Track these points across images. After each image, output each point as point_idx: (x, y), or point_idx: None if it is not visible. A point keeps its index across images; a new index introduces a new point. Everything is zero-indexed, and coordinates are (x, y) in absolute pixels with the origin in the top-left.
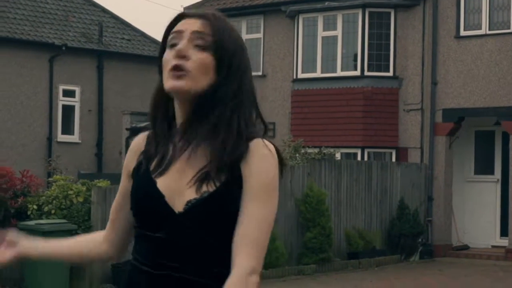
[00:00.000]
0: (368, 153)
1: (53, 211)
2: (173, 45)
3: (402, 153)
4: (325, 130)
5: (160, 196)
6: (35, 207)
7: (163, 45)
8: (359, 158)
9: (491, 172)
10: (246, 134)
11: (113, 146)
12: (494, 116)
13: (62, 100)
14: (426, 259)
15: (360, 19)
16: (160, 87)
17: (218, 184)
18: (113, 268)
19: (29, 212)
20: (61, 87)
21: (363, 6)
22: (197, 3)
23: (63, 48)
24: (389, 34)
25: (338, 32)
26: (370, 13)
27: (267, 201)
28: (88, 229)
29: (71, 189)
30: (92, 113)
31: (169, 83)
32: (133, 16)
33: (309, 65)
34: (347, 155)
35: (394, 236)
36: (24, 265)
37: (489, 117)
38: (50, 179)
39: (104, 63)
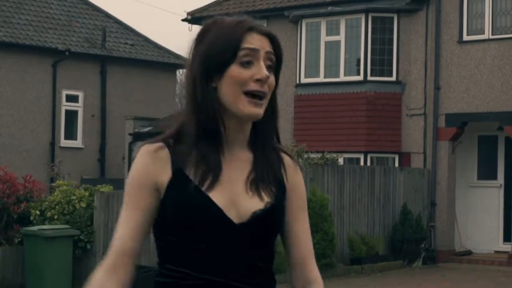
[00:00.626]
0: (371, 158)
1: (55, 217)
2: (247, 62)
3: (405, 158)
4: (328, 135)
5: (216, 208)
6: (37, 212)
7: (226, 56)
8: (362, 163)
9: (494, 177)
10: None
11: (116, 152)
12: (497, 121)
13: (65, 105)
14: (429, 265)
15: (363, 24)
16: (213, 99)
17: (273, 192)
18: None
19: (31, 218)
20: (64, 92)
21: (366, 11)
22: (200, 8)
23: (67, 53)
24: (392, 39)
25: (341, 37)
26: (373, 18)
27: (307, 210)
28: (90, 234)
29: (74, 195)
30: (95, 118)
31: (248, 109)
32: (137, 21)
33: (312, 70)
34: (350, 160)
35: (397, 242)
36: (27, 271)
37: (492, 122)
38: (53, 184)
39: (107, 68)
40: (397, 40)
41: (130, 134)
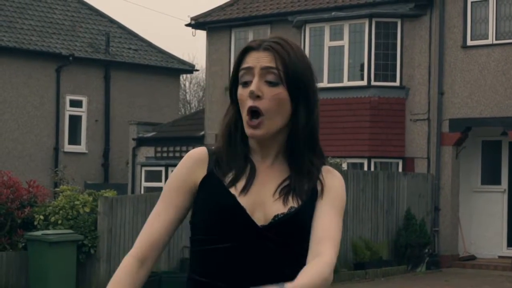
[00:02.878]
0: (375, 163)
1: (59, 221)
2: (245, 83)
3: (408, 163)
4: (331, 140)
5: (240, 209)
6: (41, 217)
7: (234, 77)
8: (365, 168)
9: (498, 182)
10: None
11: (120, 156)
12: (501, 126)
13: (69, 110)
14: (433, 270)
15: (367, 29)
16: (233, 113)
17: (301, 200)
18: None
19: (35, 223)
20: (68, 97)
21: (370, 16)
22: (204, 13)
23: (70, 58)
24: (395, 44)
25: (345, 42)
26: (377, 23)
27: (341, 216)
28: (94, 239)
29: (78, 200)
30: (99, 123)
31: (248, 131)
32: (140, 26)
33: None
34: (354, 165)
35: (400, 247)
36: (31, 276)
37: (496, 127)
38: (56, 189)
39: (111, 73)
40: (401, 45)
41: (133, 139)
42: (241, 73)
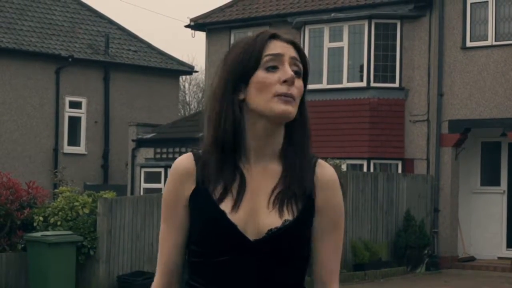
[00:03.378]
0: (374, 164)
1: (59, 223)
2: (272, 67)
3: (408, 164)
4: (331, 141)
5: (231, 225)
6: (41, 218)
7: (249, 63)
8: (365, 169)
9: (497, 183)
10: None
11: (119, 158)
12: (501, 127)
13: (68, 112)
14: (432, 271)
15: (366, 30)
16: (235, 110)
17: (297, 208)
18: (119, 279)
19: (35, 224)
20: (68, 99)
21: (369, 17)
22: (203, 14)
23: (70, 59)
24: (395, 45)
25: (344, 43)
26: (376, 24)
27: (342, 228)
28: (93, 240)
29: (77, 201)
30: (98, 124)
31: (279, 107)
32: (140, 27)
33: (315, 76)
34: (353, 166)
35: (400, 248)
36: (31, 277)
37: (495, 128)
38: (56, 190)
39: (110, 74)
40: (400, 46)
41: (133, 140)
42: (266, 58)
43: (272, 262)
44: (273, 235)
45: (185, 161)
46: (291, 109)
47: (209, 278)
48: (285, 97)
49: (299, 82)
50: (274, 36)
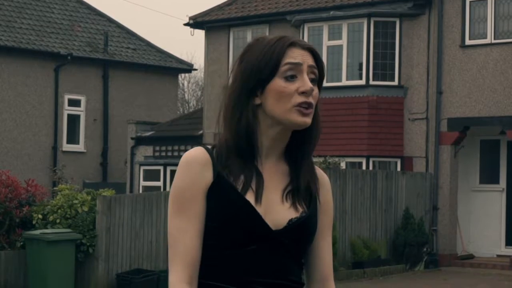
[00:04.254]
0: (373, 162)
1: (58, 221)
2: (291, 77)
3: (407, 162)
4: (330, 139)
5: (255, 213)
6: (40, 216)
7: (267, 70)
8: (364, 167)
9: (496, 181)
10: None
11: (118, 156)
12: (499, 125)
13: (67, 110)
14: (431, 269)
15: (365, 28)
16: (249, 115)
17: (306, 204)
18: (118, 277)
19: (34, 222)
20: (67, 97)
21: (369, 16)
22: (202, 12)
23: (69, 57)
24: (394, 43)
25: (343, 41)
26: (375, 22)
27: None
28: (92, 238)
29: (76, 199)
30: (97, 122)
31: (298, 118)
32: (139, 25)
33: None
34: (352, 164)
35: (399, 246)
36: (30, 275)
37: (494, 126)
38: (55, 188)
39: (109, 72)
40: (399, 44)
41: (132, 138)
42: (285, 67)
43: (287, 255)
44: (294, 225)
45: (200, 152)
46: (309, 120)
47: (227, 271)
48: (305, 109)
49: (316, 90)
50: (293, 44)
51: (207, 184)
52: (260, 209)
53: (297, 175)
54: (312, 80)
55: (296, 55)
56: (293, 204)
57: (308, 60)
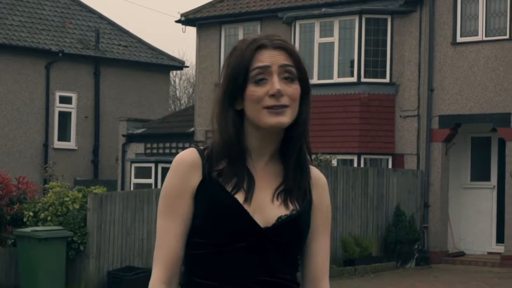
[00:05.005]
0: (365, 159)
1: (49, 218)
2: (260, 80)
3: (398, 160)
4: (321, 137)
5: (243, 211)
6: (31, 213)
7: (244, 76)
8: (355, 164)
9: (487, 178)
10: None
11: (109, 153)
12: (491, 123)
13: (58, 107)
14: (422, 266)
15: (357, 26)
16: (234, 121)
17: (298, 203)
18: (109, 275)
19: (25, 219)
20: (58, 94)
21: (360, 13)
22: (194, 9)
23: (60, 54)
24: (385, 41)
25: (335, 39)
26: (367, 20)
27: (329, 229)
28: (83, 236)
29: (67, 196)
30: (88, 119)
31: (270, 119)
32: (130, 22)
33: None
34: (344, 161)
35: (390, 243)
36: (21, 272)
37: (485, 124)
38: (46, 185)
39: (100, 69)
40: (391, 41)
41: (123, 136)
42: (254, 72)
43: (278, 253)
44: (283, 222)
45: (191, 154)
46: (283, 119)
47: (215, 268)
48: (275, 109)
49: (291, 87)
50: (261, 46)
51: (195, 185)
52: (249, 208)
53: (289, 175)
54: (286, 79)
55: (264, 58)
56: (284, 203)
57: (279, 59)
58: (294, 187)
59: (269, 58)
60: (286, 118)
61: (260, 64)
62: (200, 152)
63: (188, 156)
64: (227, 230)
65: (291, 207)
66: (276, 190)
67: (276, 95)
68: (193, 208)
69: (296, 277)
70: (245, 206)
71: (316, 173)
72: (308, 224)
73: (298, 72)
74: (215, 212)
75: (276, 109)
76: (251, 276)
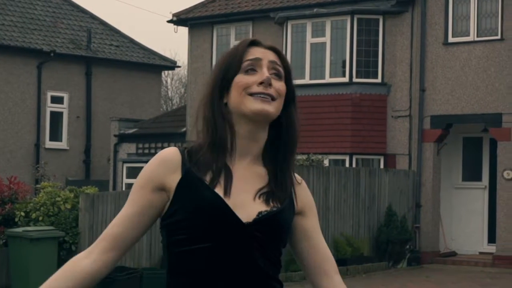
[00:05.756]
0: (356, 159)
1: (40, 218)
2: (251, 69)
3: (390, 160)
4: (313, 137)
5: (225, 206)
6: (22, 214)
7: (231, 70)
8: (347, 164)
9: (479, 178)
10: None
11: (101, 153)
12: (482, 123)
13: (50, 107)
14: (414, 266)
15: (349, 26)
16: (225, 114)
17: (281, 203)
18: None
19: (16, 219)
20: (49, 94)
21: (352, 13)
22: (186, 9)
23: (52, 54)
24: (377, 41)
25: (327, 39)
26: (359, 20)
27: None
28: (75, 236)
29: (59, 196)
30: (80, 119)
31: (257, 105)
32: (122, 22)
33: (297, 71)
34: (336, 161)
35: (382, 243)
36: (12, 273)
37: (477, 124)
38: (38, 186)
39: (92, 69)
40: (383, 41)
41: (115, 136)
42: (246, 63)
43: (260, 250)
44: (263, 217)
45: (172, 151)
46: (269, 108)
47: (198, 265)
48: (262, 96)
49: (279, 83)
50: (254, 43)
51: (168, 182)
52: (229, 202)
53: (273, 178)
54: (275, 75)
55: (256, 52)
56: (266, 202)
57: (269, 56)
58: (277, 190)
59: (261, 53)
60: (271, 108)
61: (252, 56)
62: (181, 151)
63: (168, 153)
64: (208, 224)
65: (272, 204)
66: (259, 191)
67: (265, 82)
68: (159, 202)
69: (278, 275)
70: (228, 201)
71: (297, 179)
72: (289, 222)
73: (286, 75)
74: (196, 206)
75: (263, 96)
76: (232, 270)
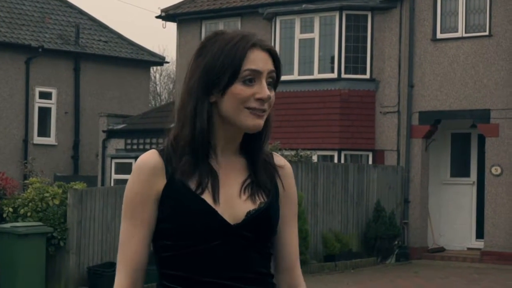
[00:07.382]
0: (345, 155)
1: (29, 214)
2: (249, 80)
3: (378, 156)
4: (301, 133)
5: (211, 210)
6: (10, 209)
7: (228, 72)
8: (335, 160)
9: (467, 174)
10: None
11: (89, 149)
12: (470, 119)
13: (38, 102)
14: (402, 262)
15: (337, 22)
16: (209, 111)
17: (266, 194)
18: (89, 270)
19: (4, 215)
20: (38, 89)
21: (340, 9)
22: (174, 5)
23: (40, 50)
24: (366, 37)
25: (315, 35)
26: (347, 16)
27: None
28: (63, 231)
29: (47, 192)
30: (68, 115)
31: (250, 121)
32: (110, 18)
33: (286, 67)
34: (324, 157)
35: (370, 239)
36: (0, 267)
37: (465, 120)
38: (26, 181)
39: (80, 65)
40: (371, 38)
41: (103, 131)
42: (246, 72)
43: (250, 249)
44: (252, 217)
45: (152, 156)
46: (261, 122)
47: (186, 270)
48: (257, 112)
49: (272, 93)
50: (254, 45)
51: (159, 189)
52: (218, 207)
53: (254, 168)
54: (269, 84)
55: (257, 60)
56: (251, 196)
57: (268, 64)
58: (261, 180)
59: (262, 61)
60: (263, 121)
61: (253, 66)
62: (161, 154)
63: (150, 160)
64: (197, 231)
65: (258, 200)
66: (243, 184)
67: (265, 101)
68: (158, 212)
69: (270, 268)
70: (213, 205)
71: (280, 161)
72: (278, 215)
73: (277, 79)
74: (183, 213)
75: (258, 112)
76: (226, 273)
